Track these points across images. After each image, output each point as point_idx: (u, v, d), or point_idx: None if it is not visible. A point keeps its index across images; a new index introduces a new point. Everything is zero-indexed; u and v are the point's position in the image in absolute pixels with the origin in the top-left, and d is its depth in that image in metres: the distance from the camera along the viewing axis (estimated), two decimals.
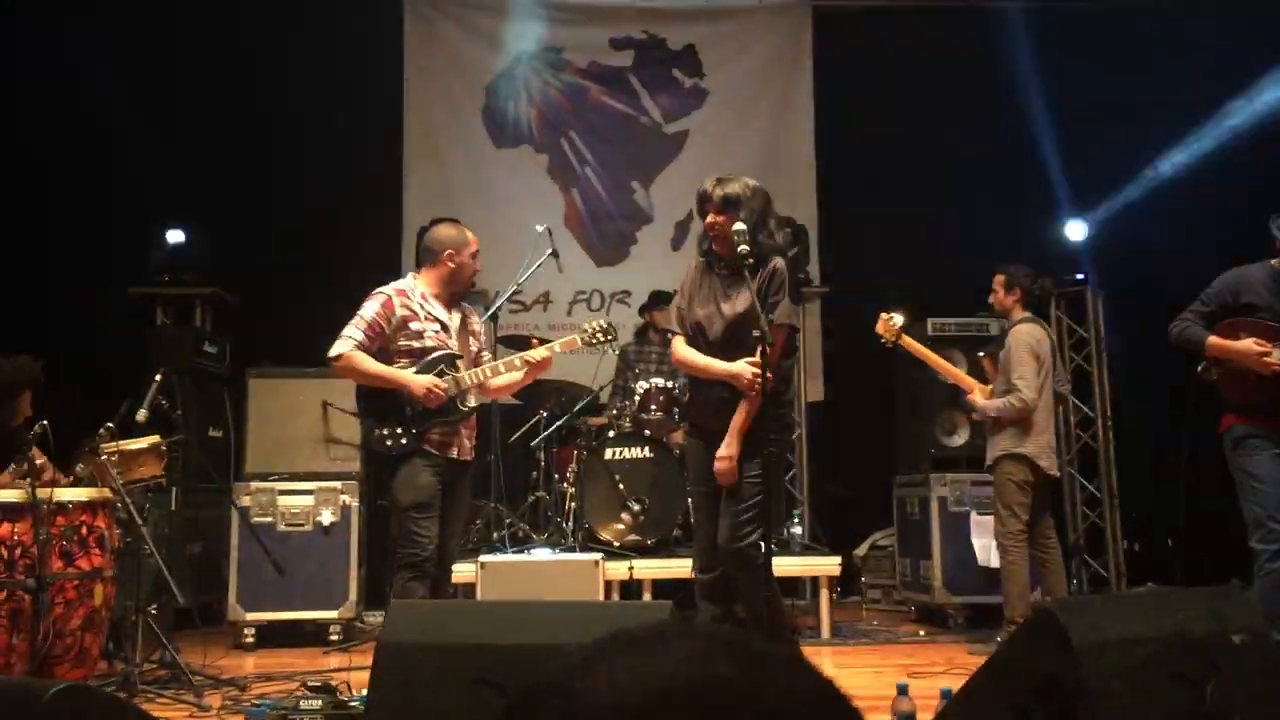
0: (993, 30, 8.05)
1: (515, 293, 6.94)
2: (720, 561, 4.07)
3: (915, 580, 6.79)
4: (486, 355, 4.74)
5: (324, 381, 6.20)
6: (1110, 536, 7.79)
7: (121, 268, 7.46)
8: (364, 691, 3.35)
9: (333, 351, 4.32)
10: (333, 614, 5.99)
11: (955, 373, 5.77)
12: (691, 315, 4.14)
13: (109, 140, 7.37)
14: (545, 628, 2.68)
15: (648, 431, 6.54)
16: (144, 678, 4.51)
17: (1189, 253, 6.48)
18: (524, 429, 6.94)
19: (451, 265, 4.49)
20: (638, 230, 8.61)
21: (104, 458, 4.45)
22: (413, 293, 4.45)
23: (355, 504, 6.10)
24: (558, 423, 6.79)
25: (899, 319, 5.58)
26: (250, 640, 5.90)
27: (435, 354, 4.38)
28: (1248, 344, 4.57)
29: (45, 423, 4.16)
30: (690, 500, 4.11)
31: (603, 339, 4.74)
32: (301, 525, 6.04)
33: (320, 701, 3.97)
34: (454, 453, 4.40)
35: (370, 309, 4.38)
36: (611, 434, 6.59)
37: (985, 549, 6.23)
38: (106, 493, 4.41)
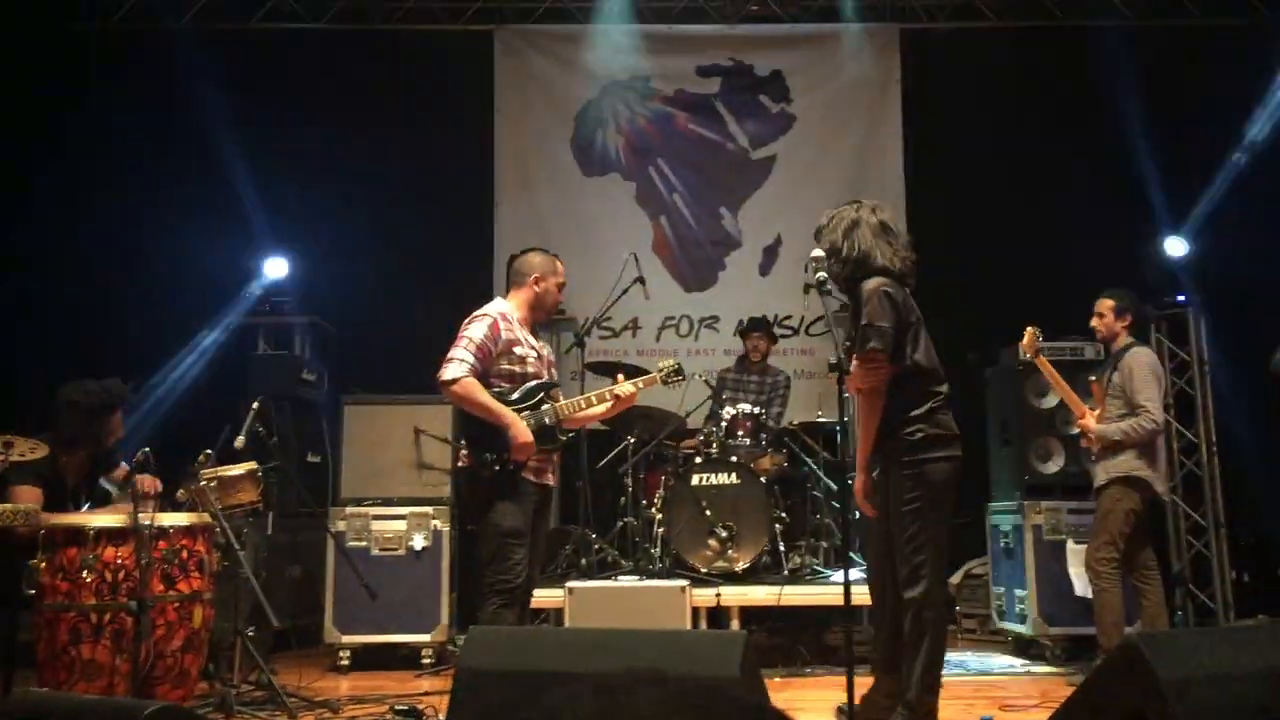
0: (1088, 49, 7.91)
1: (604, 319, 7.01)
2: None
3: (1010, 610, 6.64)
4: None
5: (416, 408, 6.33)
6: (1217, 566, 7.52)
7: (223, 297, 7.73)
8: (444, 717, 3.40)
9: (447, 375, 4.28)
10: (425, 637, 6.07)
11: (1073, 397, 5.63)
12: None
13: (213, 171, 7.63)
14: (622, 657, 2.70)
15: (735, 458, 6.52)
16: (240, 699, 4.63)
17: None
18: (611, 454, 6.98)
19: (538, 289, 4.54)
20: (726, 256, 8.62)
21: (203, 484, 4.59)
22: (512, 316, 4.51)
23: (446, 529, 6.19)
24: (645, 448, 6.82)
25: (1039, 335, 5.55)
26: (345, 662, 6.01)
27: (534, 383, 4.43)
28: None
29: (148, 449, 4.30)
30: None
31: (675, 379, 4.81)
32: (394, 549, 6.15)
33: None
34: (547, 479, 4.46)
35: (479, 332, 4.36)
36: (699, 460, 6.59)
37: (1082, 579, 6.06)
38: (206, 517, 4.55)
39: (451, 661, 6.02)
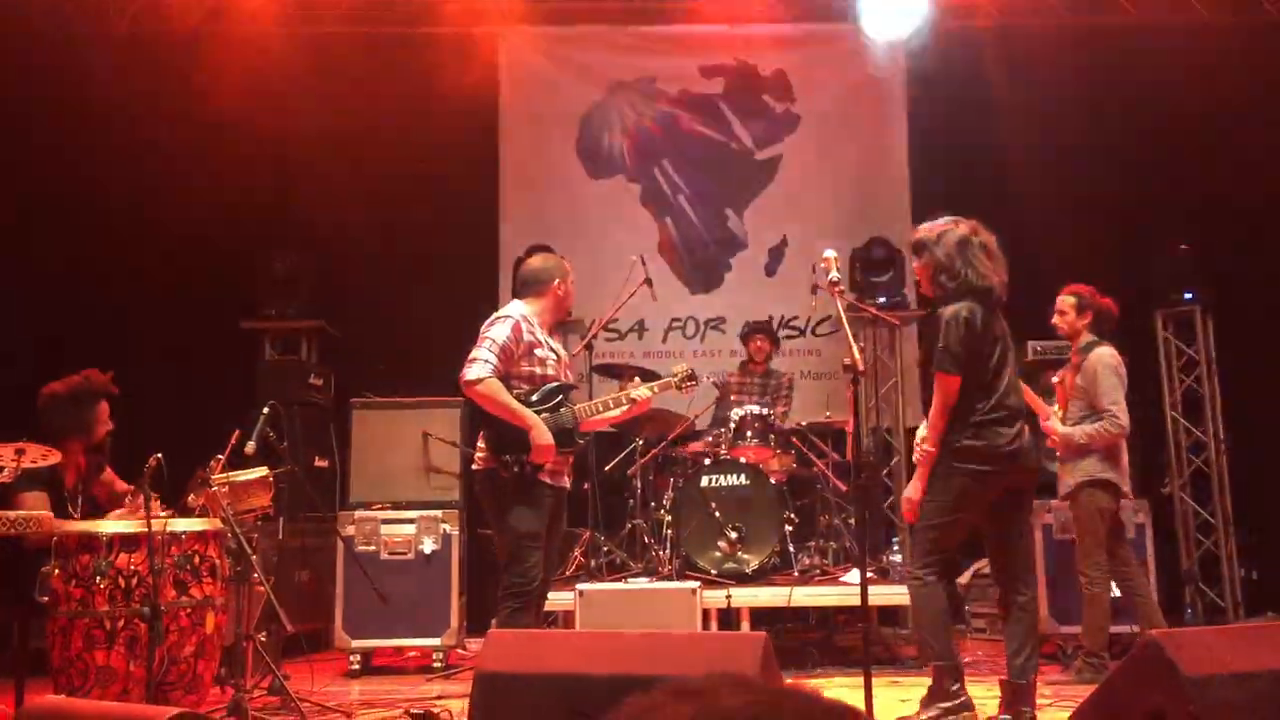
0: (1092, 47, 7.92)
1: (611, 321, 7.00)
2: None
3: None
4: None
5: (424, 412, 6.33)
6: (1226, 564, 7.52)
7: (230, 302, 7.74)
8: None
9: (471, 375, 4.30)
10: (435, 641, 6.06)
11: (1035, 400, 5.63)
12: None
13: (218, 175, 7.63)
14: (641, 659, 2.70)
15: (744, 459, 6.52)
16: (254, 704, 4.62)
17: None
18: (620, 457, 6.98)
19: (560, 293, 4.60)
20: (731, 257, 8.62)
21: (215, 489, 4.59)
22: (532, 319, 4.52)
23: (456, 532, 6.18)
24: (654, 451, 6.82)
25: None
26: (356, 667, 6.01)
27: (553, 384, 4.45)
28: None
29: (159, 455, 4.30)
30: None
31: (688, 384, 4.85)
32: (404, 554, 6.14)
33: None
34: (563, 481, 4.49)
35: (501, 333, 4.38)
36: (707, 461, 6.58)
37: None
38: (218, 523, 4.55)
39: (461, 665, 6.02)
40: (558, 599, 5.90)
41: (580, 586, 5.80)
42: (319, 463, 7.04)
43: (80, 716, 2.78)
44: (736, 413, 6.75)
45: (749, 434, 6.67)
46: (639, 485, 6.79)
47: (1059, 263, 7.44)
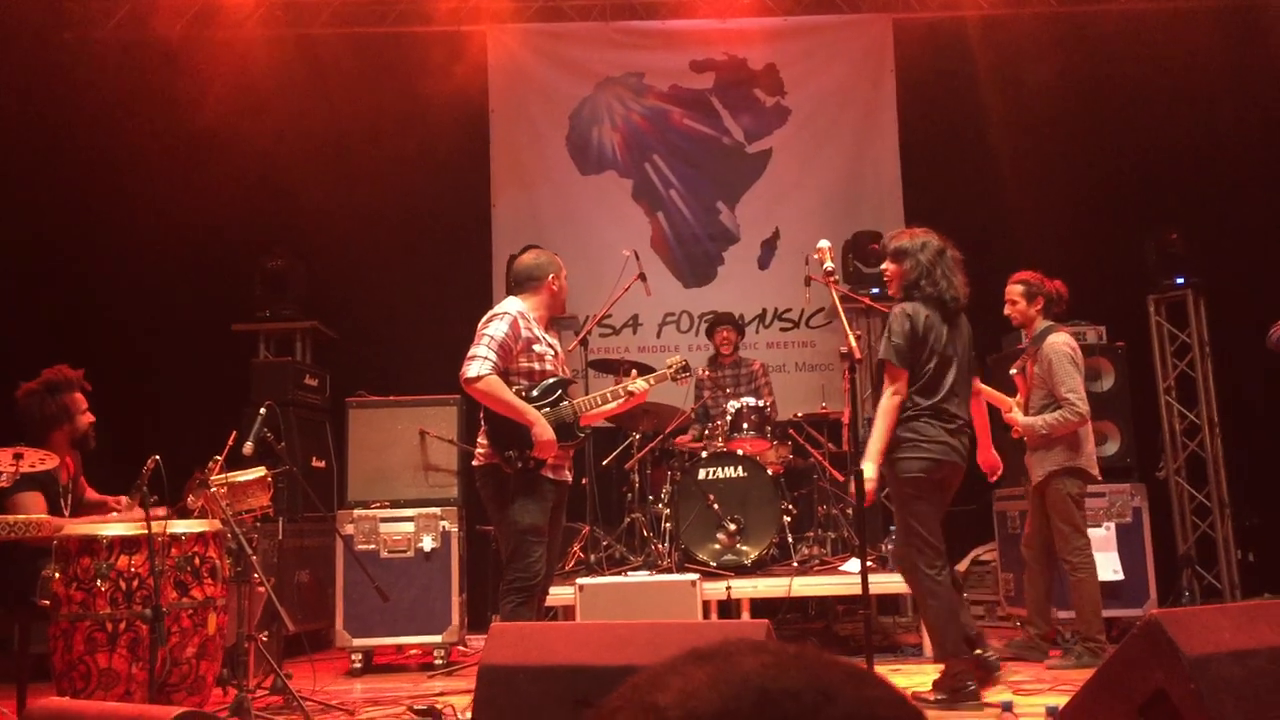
0: (1082, 34, 7.94)
1: (605, 317, 7.01)
2: None
3: (1019, 596, 6.65)
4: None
5: (420, 410, 6.33)
6: (1222, 547, 7.55)
7: (223, 304, 7.74)
8: (469, 715, 3.41)
9: (471, 372, 4.33)
10: (436, 638, 6.07)
11: (995, 394, 5.66)
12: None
13: (208, 177, 7.62)
14: (644, 649, 2.71)
15: (741, 451, 6.54)
16: (257, 704, 4.63)
17: None
18: (617, 451, 6.99)
19: (554, 289, 4.62)
20: (724, 251, 8.62)
21: (214, 490, 4.59)
22: (529, 315, 4.54)
23: (455, 530, 6.19)
24: (651, 444, 6.83)
25: None
26: (358, 665, 6.01)
27: (552, 379, 4.47)
28: None
29: (157, 457, 4.30)
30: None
31: (682, 375, 4.86)
32: (403, 552, 6.14)
33: None
34: (564, 476, 4.51)
35: (500, 330, 4.41)
36: (705, 454, 6.60)
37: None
38: (217, 524, 4.55)
39: (463, 662, 6.03)
40: (558, 594, 5.91)
41: (580, 581, 5.81)
42: (316, 463, 7.04)
43: (84, 718, 2.78)
44: (733, 405, 6.76)
45: (745, 426, 6.69)
46: (637, 479, 6.81)
47: (1050, 250, 7.48)
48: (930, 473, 4.42)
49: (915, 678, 5.01)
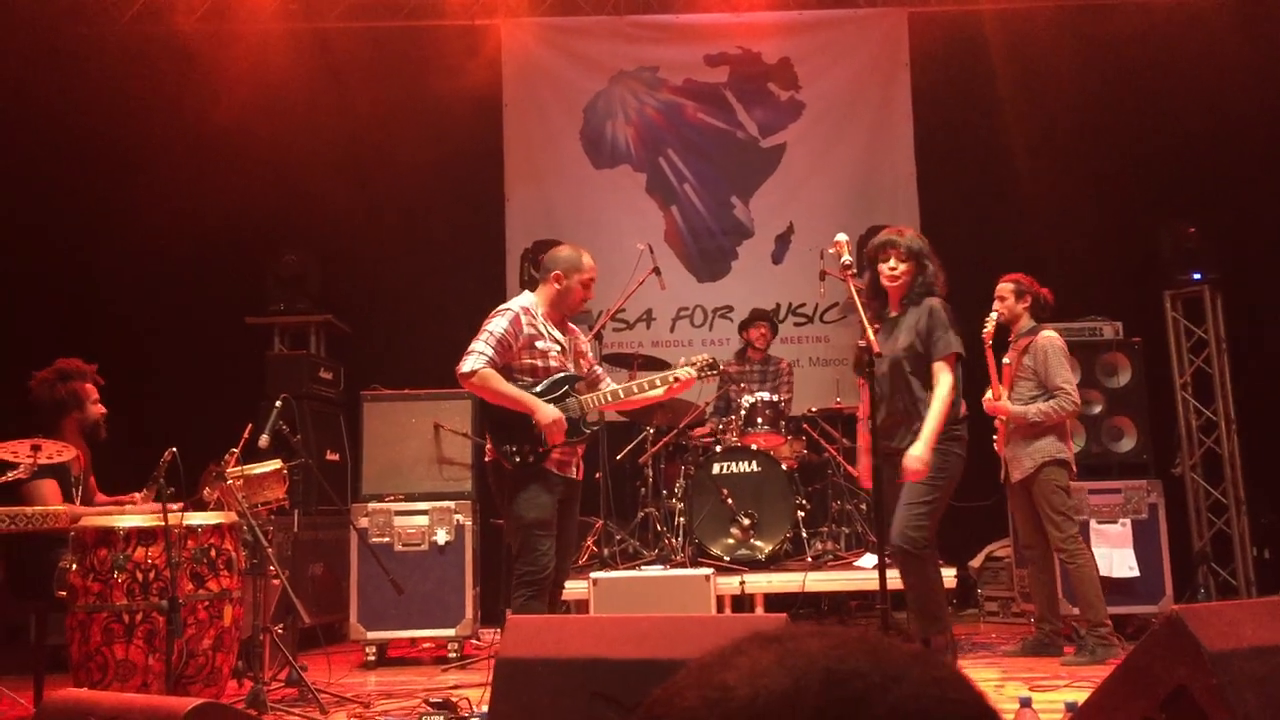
0: (1096, 27, 7.89)
1: (619, 311, 7.00)
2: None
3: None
4: (600, 369, 4.82)
5: (435, 403, 6.34)
6: (1238, 544, 7.51)
7: (238, 297, 7.75)
8: (484, 708, 3.41)
9: (465, 367, 4.35)
10: (450, 631, 6.08)
11: (994, 377, 5.69)
12: None
13: (222, 172, 7.63)
14: (662, 642, 2.70)
15: (755, 446, 6.53)
16: (272, 696, 4.64)
17: None
18: (631, 446, 6.98)
19: (558, 287, 4.56)
20: (738, 245, 8.59)
21: (229, 482, 4.60)
22: (535, 310, 4.53)
23: (469, 523, 6.20)
24: (665, 439, 6.83)
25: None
26: (372, 658, 6.03)
27: (557, 375, 4.45)
28: None
29: (174, 449, 4.32)
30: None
31: (709, 373, 4.81)
32: (418, 545, 6.15)
33: (442, 717, 4.05)
34: (571, 472, 4.49)
35: (500, 326, 4.42)
36: (719, 448, 6.59)
37: (1105, 558, 6.08)
38: (233, 516, 4.57)
39: (477, 656, 6.04)
40: (572, 588, 5.91)
41: (594, 575, 5.82)
42: (331, 456, 7.06)
43: (102, 708, 2.79)
44: (747, 400, 6.75)
45: (760, 421, 6.68)
46: (650, 474, 6.81)
47: (1066, 244, 7.47)
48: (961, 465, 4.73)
49: None
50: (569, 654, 2.78)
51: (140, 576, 4.18)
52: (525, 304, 4.54)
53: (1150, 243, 7.74)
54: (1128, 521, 6.36)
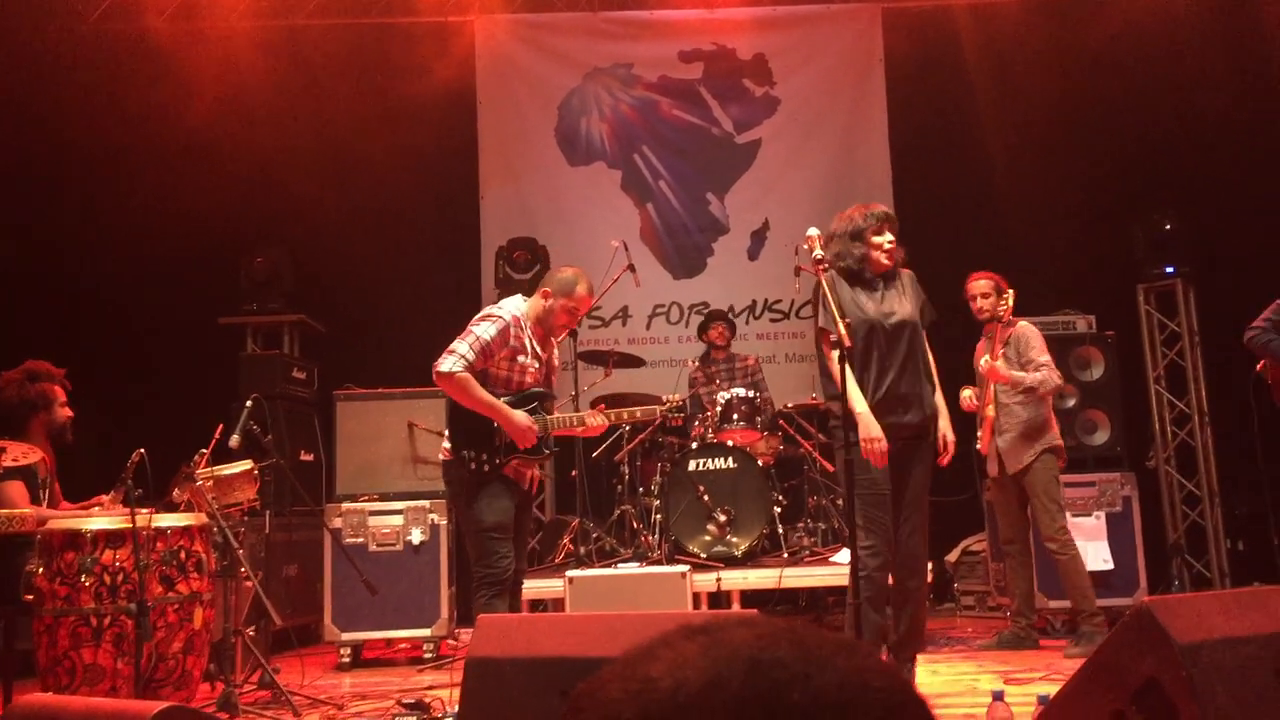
0: (1069, 21, 7.91)
1: (594, 308, 6.97)
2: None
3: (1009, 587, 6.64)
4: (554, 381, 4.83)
5: (409, 402, 6.31)
6: (1212, 536, 7.56)
7: (211, 297, 7.69)
8: (457, 708, 3.38)
9: (444, 367, 4.30)
10: (425, 632, 6.05)
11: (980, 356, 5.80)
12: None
13: (194, 171, 7.56)
14: (633, 640, 2.68)
15: (731, 442, 6.52)
16: (245, 699, 4.60)
17: None
18: (607, 444, 6.96)
19: (544, 304, 4.56)
20: (714, 242, 8.59)
21: (199, 484, 4.56)
22: (524, 322, 4.51)
23: (444, 523, 6.16)
24: (640, 436, 6.81)
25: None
26: (346, 660, 5.99)
27: (530, 391, 4.46)
28: None
29: (142, 450, 4.27)
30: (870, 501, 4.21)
31: (675, 414, 4.87)
32: (392, 545, 6.12)
33: (415, 717, 4.02)
34: (524, 484, 4.52)
35: (488, 332, 4.39)
36: (695, 446, 6.58)
37: (1080, 551, 6.10)
38: (203, 518, 4.52)
39: (453, 656, 6.01)
40: (547, 586, 5.90)
41: (570, 573, 5.79)
42: (305, 456, 7.01)
43: (69, 713, 2.75)
44: (723, 395, 6.74)
45: (735, 417, 6.67)
46: (627, 471, 6.79)
47: (1040, 238, 7.48)
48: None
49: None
50: (539, 653, 2.76)
51: (108, 579, 4.13)
52: (517, 313, 4.51)
53: (1123, 236, 7.78)
54: (1102, 514, 6.39)
